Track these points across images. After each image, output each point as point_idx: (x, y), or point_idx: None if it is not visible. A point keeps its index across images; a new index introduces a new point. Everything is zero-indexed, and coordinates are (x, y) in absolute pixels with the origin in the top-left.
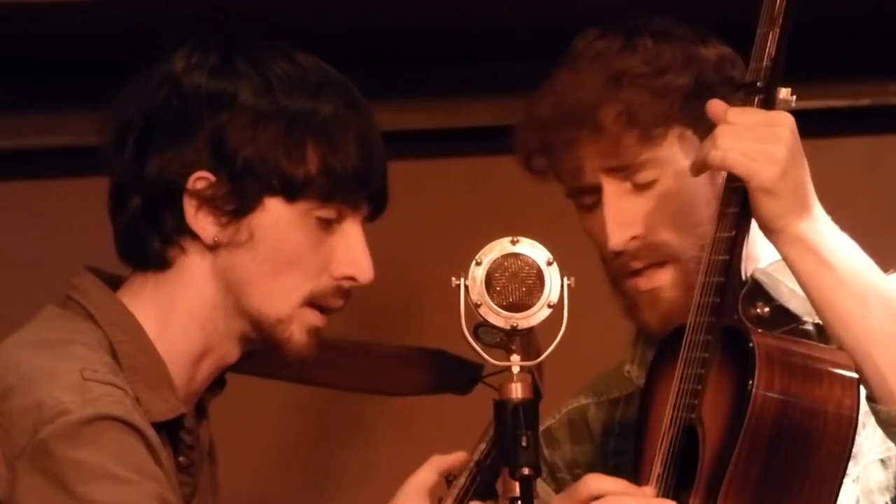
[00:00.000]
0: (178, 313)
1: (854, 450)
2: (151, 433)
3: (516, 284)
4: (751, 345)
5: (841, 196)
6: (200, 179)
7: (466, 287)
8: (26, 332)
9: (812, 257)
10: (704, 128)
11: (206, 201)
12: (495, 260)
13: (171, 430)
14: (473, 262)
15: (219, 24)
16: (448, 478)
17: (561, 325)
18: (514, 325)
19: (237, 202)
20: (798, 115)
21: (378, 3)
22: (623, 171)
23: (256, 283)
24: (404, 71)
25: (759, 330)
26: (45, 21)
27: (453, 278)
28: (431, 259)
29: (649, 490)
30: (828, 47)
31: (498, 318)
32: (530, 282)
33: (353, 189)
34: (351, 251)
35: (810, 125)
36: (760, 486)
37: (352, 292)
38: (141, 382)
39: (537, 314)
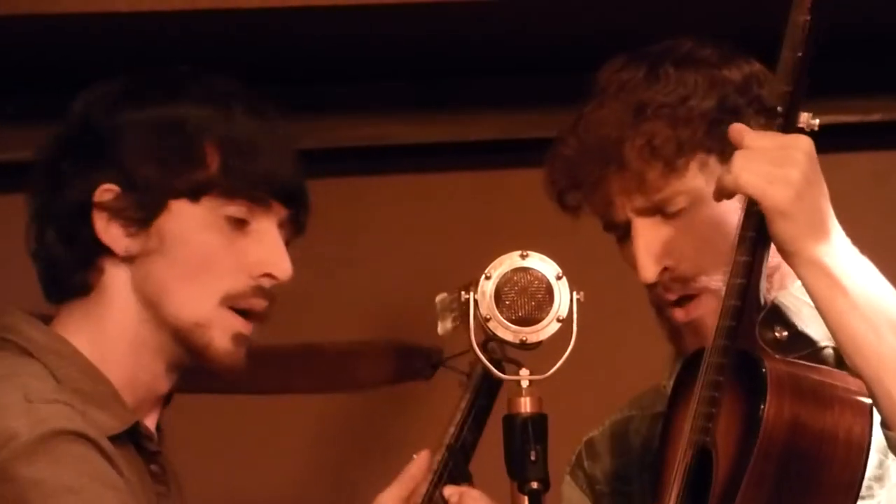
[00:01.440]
0: (109, 335)
1: (880, 472)
2: (106, 444)
3: (525, 299)
4: (763, 370)
5: (851, 211)
6: (106, 192)
7: (476, 301)
8: None
9: (827, 280)
10: (728, 152)
11: (115, 213)
12: (505, 274)
13: (133, 440)
14: (483, 277)
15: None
16: None
17: (570, 340)
18: (524, 339)
19: (144, 209)
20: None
21: (388, 18)
22: (651, 204)
23: (171, 289)
24: (413, 86)
25: (774, 355)
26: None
27: (463, 292)
28: (441, 273)
29: None
30: (838, 63)
31: (507, 332)
32: (540, 296)
33: (258, 186)
34: (265, 249)
35: (820, 140)
36: None
37: (275, 294)
38: (88, 403)
39: (546, 328)
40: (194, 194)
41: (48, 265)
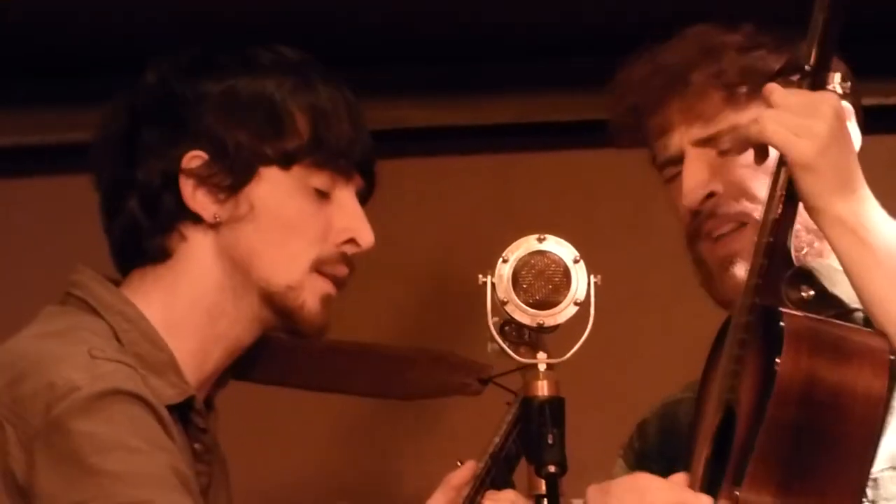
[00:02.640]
0: (183, 302)
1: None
2: (163, 410)
3: (543, 282)
4: (781, 324)
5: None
6: (195, 158)
7: (493, 284)
8: (29, 329)
9: (852, 237)
10: None
11: (203, 180)
12: (522, 257)
13: (182, 415)
14: (500, 260)
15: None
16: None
17: (587, 323)
18: (541, 322)
19: (234, 176)
20: None
21: (407, 4)
22: (710, 136)
23: (262, 254)
24: (432, 70)
25: (796, 311)
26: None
27: (480, 276)
28: (458, 256)
29: (681, 478)
30: (856, 46)
31: (524, 315)
32: (557, 279)
33: (344, 157)
34: (349, 217)
35: None
36: (787, 464)
37: (355, 261)
38: (147, 369)
39: (564, 312)
40: (286, 162)
41: (126, 232)
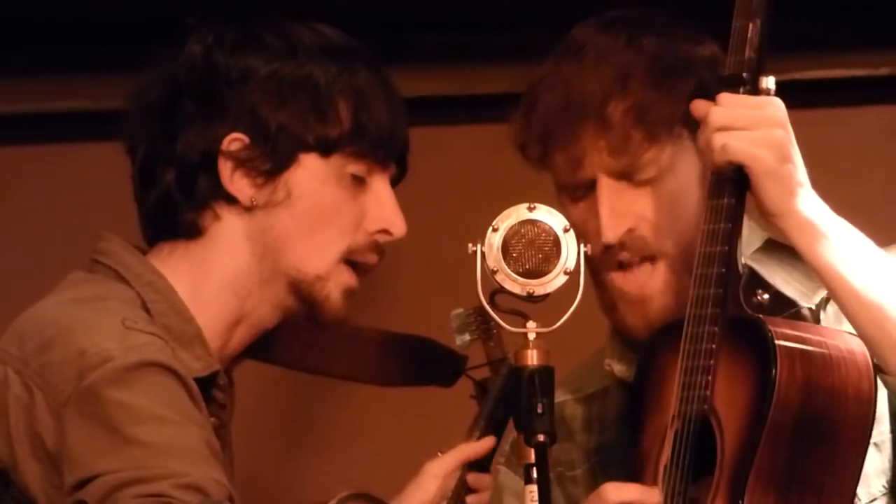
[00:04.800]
0: (211, 280)
1: None
2: (192, 383)
3: (533, 251)
4: (769, 334)
5: (859, 166)
6: (235, 141)
7: (483, 253)
8: (56, 294)
9: (819, 237)
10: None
11: (242, 163)
12: (512, 226)
13: (203, 389)
14: (490, 229)
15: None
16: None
17: (577, 293)
18: (531, 291)
19: (273, 161)
20: (818, 84)
21: None
22: (623, 167)
23: (295, 241)
24: (426, 38)
25: (768, 318)
26: None
27: (470, 244)
28: (449, 225)
29: (655, 492)
30: (847, 18)
31: (514, 284)
32: (547, 249)
33: (383, 146)
34: (383, 207)
35: (830, 94)
36: (786, 474)
37: (385, 249)
38: (174, 341)
39: (553, 281)
40: (326, 150)
41: (159, 205)
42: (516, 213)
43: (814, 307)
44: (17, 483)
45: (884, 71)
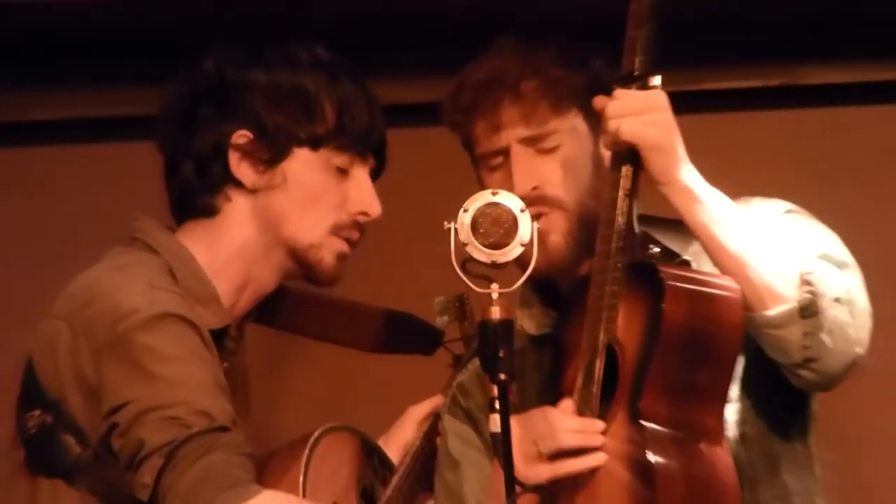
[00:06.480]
0: (225, 250)
1: None
2: (205, 332)
3: (496, 227)
4: (660, 274)
5: (757, 160)
6: (241, 136)
7: (456, 230)
8: (101, 263)
9: (696, 202)
10: (594, 118)
11: (247, 154)
12: (479, 208)
13: (217, 340)
14: (461, 210)
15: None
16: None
17: (531, 260)
18: (494, 260)
19: (272, 152)
20: (714, 93)
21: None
22: (533, 136)
23: (291, 216)
24: (403, 55)
25: (659, 262)
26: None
27: (445, 222)
28: (429, 209)
29: (570, 406)
30: (746, 36)
31: (481, 254)
32: (507, 225)
33: (362, 142)
34: (362, 192)
35: (730, 102)
36: (675, 382)
37: (366, 227)
38: (195, 300)
39: (513, 251)
40: (315, 144)
41: (181, 190)
42: (482, 197)
43: (690, 259)
44: (66, 413)
45: (775, 82)
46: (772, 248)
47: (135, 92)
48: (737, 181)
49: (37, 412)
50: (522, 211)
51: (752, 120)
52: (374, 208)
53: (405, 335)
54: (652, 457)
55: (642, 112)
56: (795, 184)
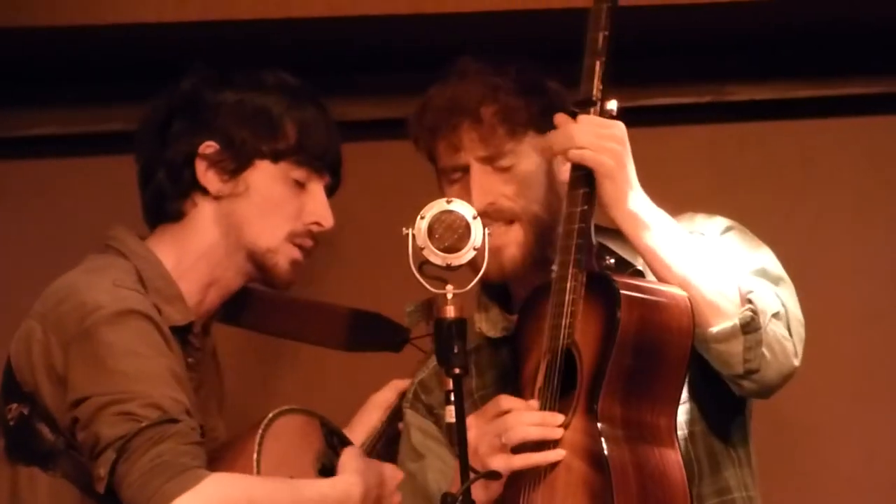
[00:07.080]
0: (191, 252)
1: None
2: (165, 327)
3: (450, 233)
4: (615, 284)
5: (685, 171)
6: (209, 147)
7: (413, 235)
8: (77, 268)
9: (642, 226)
10: (550, 133)
11: (213, 163)
12: (435, 215)
13: (182, 336)
14: (419, 217)
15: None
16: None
17: (482, 263)
18: (449, 263)
19: (236, 163)
20: (651, 109)
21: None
22: (490, 156)
23: (251, 222)
24: (358, 77)
25: (614, 273)
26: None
27: (404, 229)
28: (389, 217)
29: (535, 403)
30: (679, 57)
31: (437, 257)
32: (461, 231)
33: (319, 159)
34: (317, 205)
35: (663, 117)
36: (629, 385)
37: (318, 237)
38: (160, 299)
39: (466, 255)
40: (275, 157)
41: (154, 196)
42: (438, 205)
43: (641, 268)
44: (40, 403)
45: (706, 98)
46: (714, 268)
47: (124, 110)
48: (670, 190)
49: (14, 405)
50: (475, 218)
51: (682, 133)
52: (328, 219)
53: (373, 333)
54: (607, 451)
55: (601, 140)
56: (718, 193)
